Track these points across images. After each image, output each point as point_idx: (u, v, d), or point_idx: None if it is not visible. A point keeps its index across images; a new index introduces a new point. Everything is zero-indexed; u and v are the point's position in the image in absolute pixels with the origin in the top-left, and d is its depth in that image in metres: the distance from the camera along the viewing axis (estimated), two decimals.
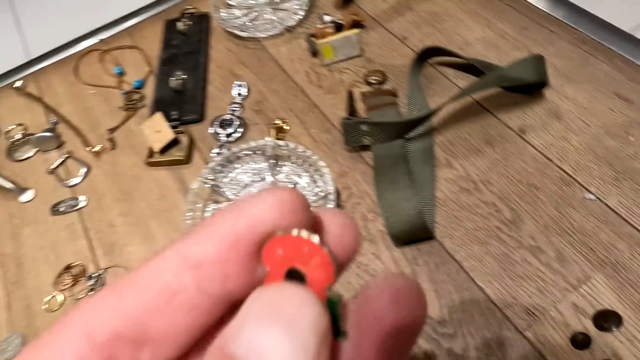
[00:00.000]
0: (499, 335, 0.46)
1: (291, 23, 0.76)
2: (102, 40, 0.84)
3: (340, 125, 0.61)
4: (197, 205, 0.56)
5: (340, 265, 0.13)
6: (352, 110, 0.62)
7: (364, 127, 0.57)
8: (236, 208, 0.13)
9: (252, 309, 0.11)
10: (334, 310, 0.12)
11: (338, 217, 0.14)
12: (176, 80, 0.71)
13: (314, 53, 0.73)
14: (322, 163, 0.56)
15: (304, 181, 0.59)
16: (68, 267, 0.57)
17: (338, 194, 0.57)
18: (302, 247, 0.12)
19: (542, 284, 0.48)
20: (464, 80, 0.66)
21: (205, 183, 0.58)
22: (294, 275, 0.12)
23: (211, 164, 0.59)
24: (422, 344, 0.46)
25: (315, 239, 0.12)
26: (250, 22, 0.80)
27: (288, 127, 0.65)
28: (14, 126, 0.73)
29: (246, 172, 0.61)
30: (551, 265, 0.49)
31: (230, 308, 0.13)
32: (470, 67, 0.66)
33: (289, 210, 0.12)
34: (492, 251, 0.51)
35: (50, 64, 0.83)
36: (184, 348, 0.12)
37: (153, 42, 0.82)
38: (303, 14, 0.77)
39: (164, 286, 0.12)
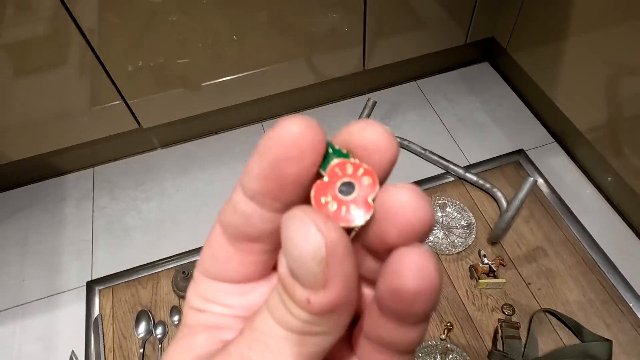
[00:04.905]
0: None
1: (459, 249, 1.23)
2: None
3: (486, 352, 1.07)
4: None
5: (384, 171, 0.17)
6: (494, 340, 1.09)
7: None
8: (260, 152, 0.16)
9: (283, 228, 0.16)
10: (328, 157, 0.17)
11: (369, 130, 0.17)
12: None
13: (472, 277, 1.20)
14: None
15: None
16: None
17: None
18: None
19: None
20: (562, 329, 1.11)
21: None
22: (348, 184, 0.17)
23: None
24: None
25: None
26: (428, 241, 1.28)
27: (452, 328, 1.12)
28: None
29: None
30: None
31: None
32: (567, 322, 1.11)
33: (307, 146, 0.16)
34: None
35: None
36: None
37: None
38: (469, 243, 1.24)
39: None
